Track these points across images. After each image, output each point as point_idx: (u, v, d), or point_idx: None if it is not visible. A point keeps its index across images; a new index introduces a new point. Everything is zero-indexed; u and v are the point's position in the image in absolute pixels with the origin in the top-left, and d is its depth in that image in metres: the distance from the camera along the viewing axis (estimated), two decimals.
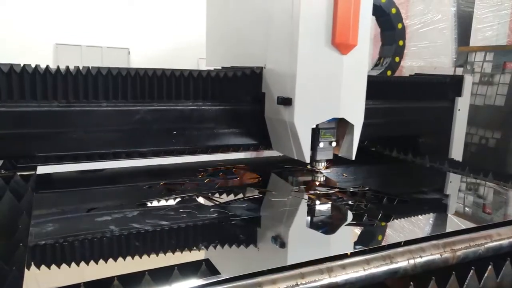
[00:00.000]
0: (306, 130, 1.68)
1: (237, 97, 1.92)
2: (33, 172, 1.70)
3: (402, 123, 2.41)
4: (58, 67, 1.66)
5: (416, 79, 2.57)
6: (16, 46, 5.65)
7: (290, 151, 1.76)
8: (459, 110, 2.49)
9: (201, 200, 1.54)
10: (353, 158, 1.79)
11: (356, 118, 1.75)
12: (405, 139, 2.49)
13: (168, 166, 1.98)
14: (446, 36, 3.97)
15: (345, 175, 2.00)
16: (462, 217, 1.54)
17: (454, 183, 2.05)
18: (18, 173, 1.63)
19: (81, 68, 1.68)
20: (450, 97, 2.51)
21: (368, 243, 1.25)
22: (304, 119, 1.66)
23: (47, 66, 1.65)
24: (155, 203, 1.50)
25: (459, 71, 3.65)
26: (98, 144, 1.74)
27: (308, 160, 1.71)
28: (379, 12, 2.61)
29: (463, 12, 3.89)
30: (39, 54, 5.59)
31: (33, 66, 1.62)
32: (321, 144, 1.75)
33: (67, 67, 1.67)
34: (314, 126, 1.71)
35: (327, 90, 1.68)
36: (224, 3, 2.24)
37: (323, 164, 1.82)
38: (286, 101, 1.66)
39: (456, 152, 2.50)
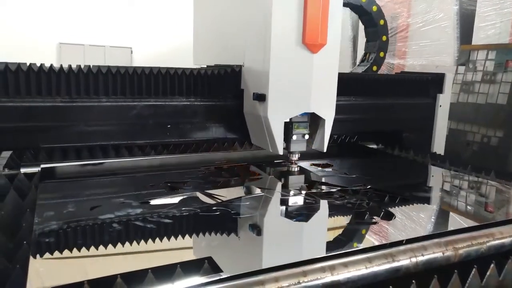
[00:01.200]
0: (279, 123, 1.78)
1: (221, 94, 2.03)
2: (37, 170, 1.71)
3: (386, 119, 2.51)
4: (61, 65, 1.73)
5: (400, 77, 2.65)
6: (21, 46, 5.67)
7: (266, 144, 1.86)
8: (440, 106, 2.59)
9: (203, 198, 1.55)
10: (325, 151, 1.90)
11: (327, 112, 1.85)
12: (389, 134, 2.59)
13: (166, 160, 2.06)
14: (448, 35, 3.96)
15: (347, 174, 2.00)
16: (464, 215, 1.54)
17: (456, 181, 2.04)
18: (22, 171, 1.64)
19: (82, 66, 1.76)
20: (432, 94, 2.60)
21: (369, 242, 1.26)
22: (277, 113, 1.76)
23: (51, 65, 1.72)
24: (157, 201, 1.51)
25: (461, 69, 3.65)
26: (98, 136, 1.84)
27: (281, 152, 1.81)
28: (360, 11, 2.70)
29: (465, 11, 3.88)
30: (43, 53, 5.61)
31: (38, 65, 1.69)
32: (294, 137, 1.86)
33: (70, 66, 1.73)
34: (287, 120, 1.82)
35: (299, 87, 1.77)
36: (208, 6, 2.33)
37: (297, 155, 1.93)
38: (261, 97, 1.76)
39: (438, 146, 2.60)
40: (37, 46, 5.95)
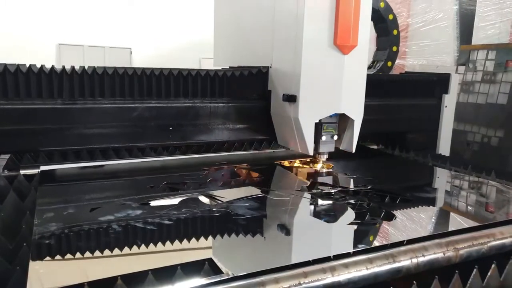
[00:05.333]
0: (310, 124, 1.78)
1: (245, 95, 2.02)
2: (37, 171, 1.71)
3: (391, 120, 2.49)
4: (52, 66, 1.70)
5: (404, 77, 2.63)
6: (20, 47, 5.67)
7: (295, 144, 1.86)
8: (446, 106, 2.57)
9: (203, 199, 1.54)
10: (353, 151, 1.89)
11: (356, 113, 1.85)
12: (393, 135, 2.58)
13: (170, 161, 2.04)
14: (448, 35, 3.96)
15: (347, 174, 2.00)
16: (464, 215, 1.54)
17: (456, 181, 2.04)
18: (22, 173, 1.64)
19: (77, 68, 1.73)
20: (437, 94, 2.57)
21: (371, 242, 1.25)
22: (307, 114, 1.76)
23: (52, 66, 1.70)
24: (158, 202, 1.50)
25: (461, 69, 3.64)
26: (99, 139, 1.81)
27: (311, 153, 1.81)
28: (377, 18, 2.67)
29: (465, 10, 3.88)
30: (42, 54, 5.60)
31: (38, 66, 1.68)
32: (324, 138, 1.86)
33: (63, 67, 1.72)
34: (317, 121, 1.81)
35: (329, 88, 1.77)
36: (232, 4, 2.30)
37: (325, 156, 1.93)
38: (291, 98, 1.76)
39: (444, 148, 2.57)
40: (36, 47, 5.95)
